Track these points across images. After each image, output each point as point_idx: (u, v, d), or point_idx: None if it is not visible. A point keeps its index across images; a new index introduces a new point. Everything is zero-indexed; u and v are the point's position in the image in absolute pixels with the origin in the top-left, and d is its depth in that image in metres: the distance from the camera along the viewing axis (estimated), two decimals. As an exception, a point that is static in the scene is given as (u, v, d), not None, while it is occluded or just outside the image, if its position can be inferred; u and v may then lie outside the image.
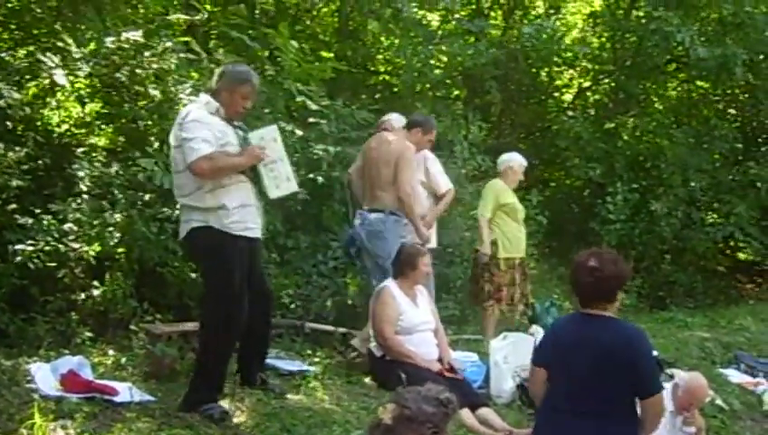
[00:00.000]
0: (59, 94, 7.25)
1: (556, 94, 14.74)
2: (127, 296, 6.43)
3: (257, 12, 11.09)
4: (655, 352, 5.29)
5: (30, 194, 6.57)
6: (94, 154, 7.13)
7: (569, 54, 13.68)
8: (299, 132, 7.55)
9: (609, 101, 14.45)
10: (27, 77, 7.01)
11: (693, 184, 12.17)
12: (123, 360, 5.83)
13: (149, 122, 7.18)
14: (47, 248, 6.16)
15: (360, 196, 6.75)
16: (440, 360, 5.79)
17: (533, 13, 13.87)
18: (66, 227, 6.34)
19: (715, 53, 11.24)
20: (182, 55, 7.37)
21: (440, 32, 11.98)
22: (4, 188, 6.34)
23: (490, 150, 9.96)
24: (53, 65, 6.60)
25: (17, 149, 6.47)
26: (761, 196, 12.26)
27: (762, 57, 12.06)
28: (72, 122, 7.59)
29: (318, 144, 7.74)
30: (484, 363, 6.35)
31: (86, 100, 7.35)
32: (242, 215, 4.80)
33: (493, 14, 13.80)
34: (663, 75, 14.06)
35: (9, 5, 7.48)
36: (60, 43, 6.79)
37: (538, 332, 7.17)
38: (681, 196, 12.02)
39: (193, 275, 6.71)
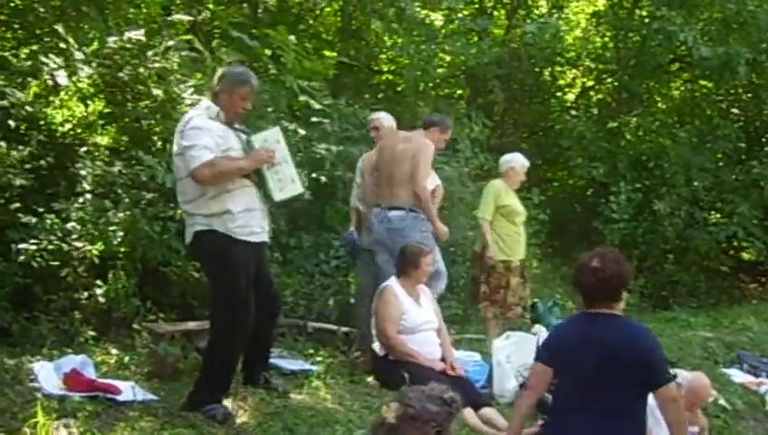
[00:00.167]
0: (62, 94, 7.26)
1: (559, 94, 14.74)
2: (130, 295, 6.43)
3: (260, 11, 11.11)
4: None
5: (33, 193, 6.58)
6: (97, 153, 7.14)
7: (572, 54, 13.69)
8: (302, 132, 7.55)
9: (613, 101, 14.45)
10: (30, 78, 7.00)
11: (696, 184, 12.17)
12: (126, 359, 5.83)
13: (152, 122, 7.18)
14: (50, 247, 6.17)
15: (371, 193, 6.69)
16: (443, 359, 5.78)
17: (536, 12, 13.86)
18: (69, 226, 6.35)
19: (718, 52, 11.23)
20: (184, 54, 7.37)
21: (443, 31, 11.97)
22: (8, 187, 6.34)
23: (493, 149, 9.98)
24: (56, 66, 6.60)
25: (21, 148, 6.48)
26: (764, 195, 12.26)
27: (765, 56, 12.02)
28: (75, 122, 7.59)
29: (321, 143, 7.75)
30: (486, 363, 6.35)
31: (89, 99, 7.35)
32: (247, 219, 4.78)
33: (496, 13, 13.80)
34: (666, 75, 14.07)
35: (12, 5, 7.49)
36: (62, 44, 6.79)
37: (541, 331, 7.17)
38: (684, 195, 12.02)
39: (196, 275, 6.72)
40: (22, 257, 6.07)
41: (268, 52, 8.34)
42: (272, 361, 5.77)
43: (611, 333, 3.82)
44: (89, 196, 6.61)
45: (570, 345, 3.97)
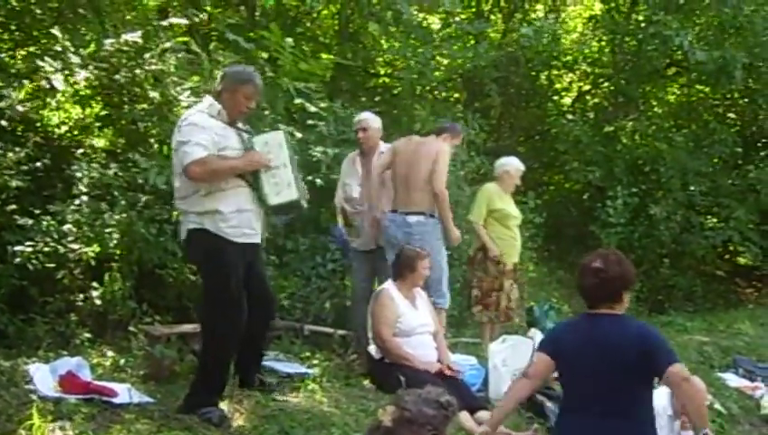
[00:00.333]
0: (59, 96, 7.25)
1: (556, 98, 14.76)
2: (126, 298, 6.43)
3: (257, 14, 11.10)
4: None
5: (29, 195, 6.58)
6: (94, 155, 7.14)
7: (568, 58, 13.71)
8: (298, 134, 7.55)
9: (609, 105, 14.49)
10: (26, 80, 7.00)
11: (692, 188, 12.19)
12: (122, 361, 5.82)
13: (149, 124, 7.17)
14: (46, 249, 6.17)
15: (378, 193, 6.65)
16: (439, 362, 5.78)
17: (533, 16, 13.89)
18: (65, 228, 6.35)
19: (714, 56, 11.27)
20: (181, 56, 7.37)
21: (440, 34, 11.99)
22: (4, 189, 6.34)
23: (489, 153, 9.98)
24: (52, 69, 6.60)
25: (17, 149, 6.48)
26: (760, 200, 12.29)
27: (761, 61, 12.06)
28: (71, 124, 7.60)
29: (317, 146, 7.75)
30: (482, 367, 6.35)
31: (86, 102, 7.35)
32: (239, 220, 4.77)
33: (493, 17, 13.82)
34: (662, 79, 14.11)
35: (9, 7, 7.48)
36: (59, 47, 6.79)
37: (537, 335, 7.17)
38: (680, 200, 12.04)
39: (192, 277, 6.72)
40: (18, 259, 6.07)
41: (265, 55, 8.33)
42: (268, 363, 5.77)
43: (615, 332, 3.81)
44: (85, 198, 6.62)
45: (572, 346, 3.96)
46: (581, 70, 14.37)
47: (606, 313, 3.90)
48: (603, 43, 14.08)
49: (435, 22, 12.71)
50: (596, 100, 14.89)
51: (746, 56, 11.52)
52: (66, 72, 6.75)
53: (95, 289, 6.40)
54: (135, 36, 6.88)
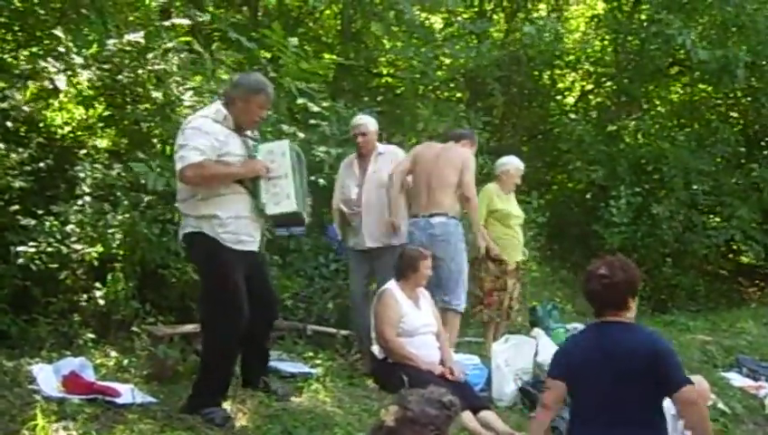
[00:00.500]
0: (62, 96, 7.26)
1: (558, 97, 14.76)
2: (129, 298, 6.44)
3: (260, 14, 11.12)
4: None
5: (32, 195, 6.58)
6: (97, 156, 7.14)
7: (571, 57, 13.70)
8: (301, 135, 7.55)
9: (612, 104, 14.48)
10: (29, 81, 7.01)
11: (695, 187, 12.17)
12: (125, 361, 5.83)
13: (152, 124, 7.18)
14: (49, 250, 6.18)
15: (398, 196, 6.64)
16: (442, 363, 5.78)
17: (536, 15, 13.88)
18: (68, 228, 6.36)
19: (717, 55, 11.26)
20: (182, 56, 7.37)
21: (443, 34, 11.99)
22: (7, 190, 6.35)
23: (492, 152, 9.97)
24: (55, 69, 6.61)
25: (20, 150, 6.49)
26: (763, 199, 12.28)
27: (764, 60, 12.04)
28: (74, 124, 7.60)
29: (320, 146, 7.75)
30: (485, 366, 6.34)
31: (88, 102, 7.35)
32: (236, 226, 4.76)
33: (495, 16, 13.82)
34: (665, 78, 14.10)
35: (12, 7, 7.49)
36: (62, 47, 6.80)
37: (539, 335, 7.18)
38: (683, 199, 12.03)
39: (195, 277, 6.71)
40: (21, 260, 6.07)
41: (267, 54, 8.34)
42: (271, 363, 5.76)
43: (626, 341, 3.79)
44: (88, 198, 6.62)
45: (579, 358, 3.94)
46: (584, 69, 14.37)
47: (614, 320, 3.87)
48: (606, 43, 14.08)
49: (437, 21, 12.71)
50: (599, 99, 14.88)
51: (749, 55, 11.50)
52: (69, 72, 6.76)
53: (98, 289, 6.41)
54: (137, 37, 6.88)
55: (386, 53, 11.84)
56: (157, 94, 7.01)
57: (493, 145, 11.44)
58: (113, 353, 6.01)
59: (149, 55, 7.04)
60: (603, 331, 3.91)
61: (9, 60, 7.27)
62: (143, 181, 6.54)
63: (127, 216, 6.53)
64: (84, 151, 7.20)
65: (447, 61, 11.35)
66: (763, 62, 12.13)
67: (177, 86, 7.09)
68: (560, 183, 14.48)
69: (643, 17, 13.30)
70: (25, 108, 6.85)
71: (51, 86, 6.78)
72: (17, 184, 6.33)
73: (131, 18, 7.57)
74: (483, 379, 6.22)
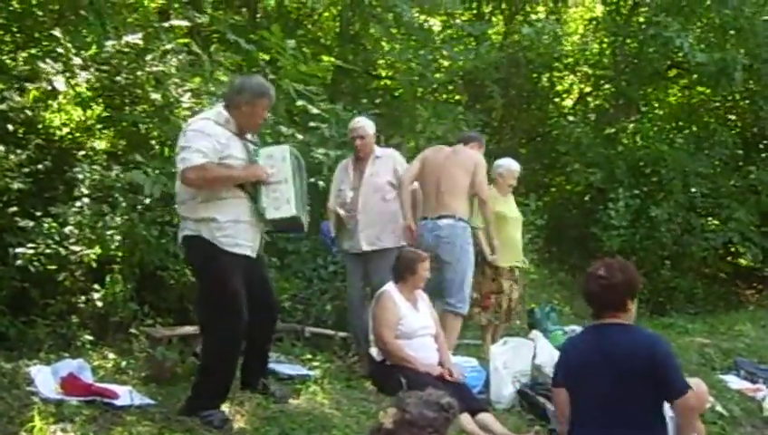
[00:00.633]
0: (60, 98, 7.26)
1: (557, 99, 14.77)
2: (127, 300, 6.44)
3: (258, 16, 11.12)
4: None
5: (31, 197, 6.58)
6: (95, 157, 7.14)
7: (569, 60, 13.71)
8: (300, 136, 7.55)
9: (610, 107, 14.49)
10: (27, 82, 7.00)
11: (693, 190, 12.19)
12: (123, 363, 5.83)
13: (150, 126, 7.18)
14: (48, 251, 6.17)
15: (410, 200, 6.71)
16: (440, 365, 5.78)
17: (534, 17, 13.90)
18: (67, 230, 6.35)
19: (715, 57, 11.27)
20: (181, 57, 7.37)
21: (441, 36, 12.00)
22: (5, 191, 6.34)
23: (491, 155, 9.95)
24: (54, 71, 6.61)
25: (18, 151, 6.48)
26: (761, 201, 12.30)
27: (762, 63, 12.05)
28: (73, 126, 7.60)
29: (319, 148, 7.75)
30: (484, 369, 6.34)
31: (87, 103, 7.35)
32: (234, 230, 4.75)
33: (494, 19, 13.83)
34: (663, 81, 14.12)
35: (11, 9, 7.49)
36: (60, 48, 6.80)
37: (538, 337, 7.17)
38: (681, 202, 12.04)
39: (193, 279, 6.70)
40: (19, 261, 6.07)
41: (266, 56, 8.34)
42: (269, 365, 5.76)
43: (624, 344, 3.78)
44: (86, 200, 6.62)
45: (581, 361, 3.94)
46: (582, 72, 14.38)
47: (612, 322, 3.87)
48: (604, 45, 14.09)
49: (436, 24, 12.72)
50: (597, 101, 14.89)
51: (747, 58, 11.52)
52: (67, 73, 6.76)
53: (96, 291, 6.40)
54: (136, 38, 6.88)
55: (384, 56, 11.84)
56: (155, 96, 7.01)
57: (491, 147, 11.42)
58: (111, 355, 6.01)
59: (148, 57, 7.05)
60: (601, 333, 3.91)
61: (7, 61, 7.26)
62: (140, 184, 6.56)
63: (125, 217, 6.53)
64: (83, 153, 7.20)
65: (446, 63, 11.36)
66: (761, 65, 12.13)
67: (175, 88, 7.09)
68: (558, 185, 14.49)
69: (641, 20, 13.32)
70: (28, 111, 6.84)
71: (49, 87, 6.78)
72: (16, 185, 6.32)
73: (130, 20, 7.57)
74: (481, 381, 6.22)
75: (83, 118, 7.57)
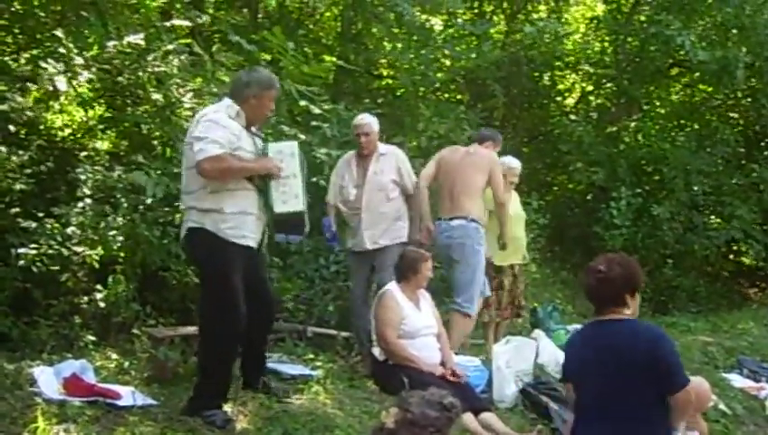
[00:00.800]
0: (62, 98, 7.26)
1: (559, 98, 14.76)
2: (129, 300, 6.43)
3: (260, 15, 11.12)
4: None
5: (33, 198, 6.58)
6: (97, 158, 7.14)
7: (571, 59, 13.71)
8: (302, 136, 7.55)
9: (612, 105, 14.48)
10: (29, 83, 7.01)
11: (695, 188, 12.18)
12: (126, 364, 5.82)
13: (152, 126, 7.18)
14: (50, 252, 6.17)
15: (427, 202, 6.81)
16: (443, 364, 5.78)
17: (536, 17, 13.89)
18: (69, 230, 6.35)
19: (717, 56, 11.26)
20: (183, 58, 7.37)
21: (443, 35, 11.99)
22: (8, 192, 6.35)
23: (493, 154, 9.96)
24: (55, 71, 6.61)
25: (21, 152, 6.48)
26: (763, 199, 12.29)
27: (763, 60, 12.04)
28: (75, 126, 7.60)
29: (320, 148, 7.75)
30: (486, 368, 6.34)
31: (89, 104, 7.36)
32: (239, 222, 4.77)
33: (495, 18, 13.82)
34: (665, 79, 14.10)
35: (12, 10, 7.50)
36: (62, 49, 6.80)
37: (540, 336, 7.18)
38: (683, 200, 12.03)
39: (196, 279, 6.71)
40: (22, 262, 6.07)
41: (268, 57, 8.34)
42: (272, 365, 5.77)
43: (624, 338, 3.76)
44: (89, 201, 6.61)
45: (581, 357, 3.95)
46: (584, 70, 14.37)
47: (612, 318, 3.85)
48: (606, 44, 14.08)
49: (437, 23, 12.71)
50: (599, 100, 14.89)
51: (748, 56, 11.51)
52: (69, 74, 6.76)
53: (99, 292, 6.40)
54: (138, 38, 6.88)
55: (386, 55, 11.84)
56: (157, 96, 7.01)
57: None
58: (114, 356, 6.01)
59: (150, 57, 7.04)
60: (600, 328, 3.91)
61: (9, 62, 7.26)
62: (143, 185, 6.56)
63: (127, 218, 6.53)
64: (85, 154, 7.19)
65: (448, 62, 11.36)
66: (763, 63, 12.12)
67: (177, 88, 7.09)
68: (560, 184, 14.48)
69: (642, 18, 13.31)
70: (29, 112, 6.84)
71: (51, 88, 6.78)
72: (18, 186, 6.32)
73: (131, 20, 7.57)
74: (483, 380, 6.21)
75: (85, 119, 7.57)
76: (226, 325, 4.72)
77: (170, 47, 7.18)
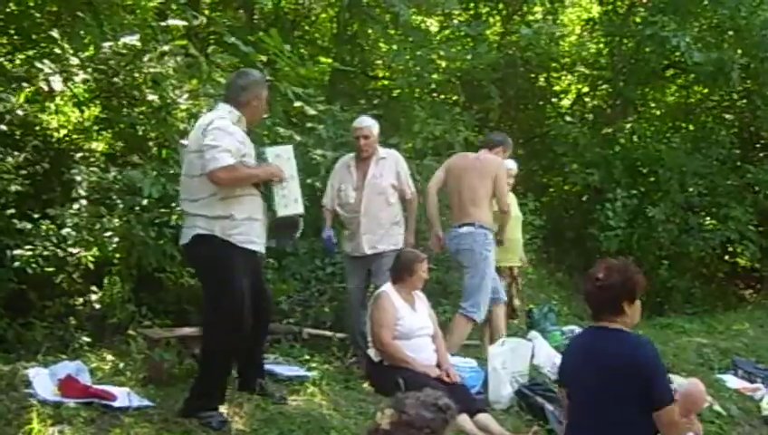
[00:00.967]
0: (57, 99, 7.25)
1: (554, 100, 14.77)
2: (125, 301, 6.43)
3: (256, 17, 11.12)
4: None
5: (28, 199, 6.57)
6: (93, 159, 7.13)
7: (567, 60, 13.72)
8: (297, 138, 7.54)
9: (607, 107, 14.49)
10: (25, 84, 7.00)
11: (691, 189, 12.19)
12: (121, 365, 5.81)
13: (147, 127, 7.17)
14: (45, 253, 6.17)
15: (436, 209, 6.98)
16: (438, 365, 5.78)
17: (531, 18, 13.90)
18: (64, 231, 6.35)
19: (712, 57, 11.28)
20: (178, 59, 7.36)
21: (439, 36, 12.00)
22: (3, 193, 6.33)
23: (489, 155, 9.96)
24: (51, 71, 6.60)
25: (16, 153, 6.48)
26: (758, 200, 12.30)
27: (759, 62, 12.06)
28: (70, 127, 7.59)
29: (316, 149, 7.75)
30: (482, 369, 6.34)
31: (84, 105, 7.35)
32: (248, 228, 4.79)
33: (491, 19, 13.83)
34: (660, 81, 14.11)
35: (8, 10, 7.48)
36: (57, 50, 6.80)
37: (536, 337, 7.18)
38: (679, 201, 12.04)
39: (191, 281, 6.71)
40: (17, 263, 6.06)
41: (263, 58, 8.33)
42: (267, 367, 5.76)
43: (613, 347, 3.73)
44: (84, 202, 6.61)
45: (572, 363, 3.96)
46: (580, 72, 14.39)
47: (605, 326, 3.81)
48: (601, 46, 14.10)
49: (433, 24, 12.72)
50: (594, 102, 14.91)
51: (744, 57, 11.53)
52: (65, 74, 6.75)
53: (94, 293, 6.40)
54: (133, 39, 6.88)
55: (382, 56, 11.85)
56: (153, 97, 7.01)
57: (489, 148, 11.43)
58: (109, 357, 6.00)
59: (145, 58, 7.03)
60: (594, 336, 3.90)
61: (5, 63, 7.25)
62: (139, 184, 6.55)
63: (123, 219, 6.52)
64: (80, 155, 7.19)
65: (443, 63, 11.36)
66: (758, 65, 12.14)
67: (172, 89, 7.08)
68: (556, 186, 14.48)
69: (638, 20, 13.31)
70: (20, 111, 6.83)
71: (47, 88, 6.77)
72: (13, 187, 6.31)
73: (127, 21, 7.56)
74: (479, 381, 6.22)
75: (81, 119, 7.56)
76: (230, 330, 4.73)
77: (166, 48, 7.17)
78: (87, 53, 6.96)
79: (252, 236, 4.82)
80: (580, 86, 14.80)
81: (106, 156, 7.35)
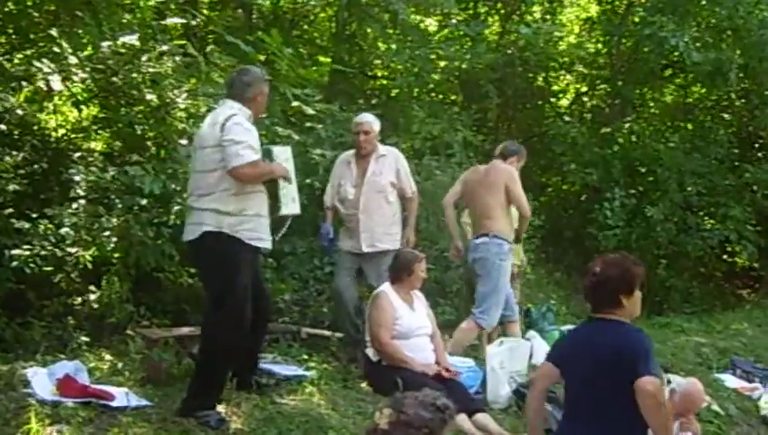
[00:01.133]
0: (56, 99, 7.25)
1: (553, 99, 14.76)
2: (123, 301, 6.43)
3: (254, 16, 11.11)
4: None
5: (27, 198, 6.57)
6: (91, 159, 7.12)
7: (565, 60, 13.72)
8: (296, 137, 7.54)
9: (606, 107, 14.48)
10: (24, 82, 7.00)
11: (689, 189, 12.19)
12: (120, 364, 5.82)
13: (146, 127, 7.17)
14: (44, 253, 6.17)
15: (454, 221, 7.17)
16: (437, 364, 5.78)
17: (530, 18, 13.89)
18: (63, 231, 6.35)
19: (710, 57, 11.29)
20: (178, 59, 7.36)
21: (437, 36, 12.00)
22: (1, 193, 6.34)
23: (488, 155, 9.97)
24: (49, 71, 6.60)
25: (14, 153, 6.49)
26: (756, 199, 12.30)
27: (757, 62, 12.07)
28: (69, 127, 7.58)
29: (315, 149, 7.75)
30: (480, 369, 6.35)
31: (83, 104, 7.34)
32: (256, 224, 4.82)
33: (490, 19, 13.83)
34: (659, 80, 14.11)
35: (6, 10, 7.48)
36: (56, 49, 6.79)
37: (534, 337, 7.18)
38: (677, 201, 12.03)
39: (190, 280, 6.71)
40: (15, 263, 6.06)
41: (262, 57, 8.33)
42: (266, 366, 5.77)
43: (609, 337, 3.75)
44: (82, 201, 6.61)
45: (569, 352, 3.97)
46: (578, 72, 14.38)
47: (602, 317, 3.84)
48: (600, 45, 14.10)
49: (432, 24, 12.72)
50: (593, 101, 14.89)
51: (742, 57, 11.53)
52: (63, 74, 6.75)
53: (93, 292, 6.40)
54: (132, 39, 6.87)
55: (380, 56, 11.84)
56: (151, 97, 7.00)
57: (488, 148, 11.43)
58: (108, 357, 6.00)
59: (144, 58, 7.03)
60: (591, 327, 3.92)
61: (3, 62, 7.24)
62: (138, 184, 6.54)
63: (121, 219, 6.52)
64: (78, 154, 7.18)
65: (442, 63, 11.36)
66: (756, 64, 12.14)
67: (171, 89, 7.08)
68: (554, 185, 14.47)
69: (636, 20, 13.31)
70: (19, 111, 6.83)
71: (45, 88, 6.76)
72: (11, 187, 6.32)
73: (125, 20, 7.56)
74: (478, 381, 6.22)
75: (79, 119, 7.56)
76: (232, 327, 4.74)
77: (165, 48, 7.17)
78: (86, 53, 6.95)
79: (260, 232, 4.86)
80: (578, 86, 14.79)
81: (104, 155, 7.34)
